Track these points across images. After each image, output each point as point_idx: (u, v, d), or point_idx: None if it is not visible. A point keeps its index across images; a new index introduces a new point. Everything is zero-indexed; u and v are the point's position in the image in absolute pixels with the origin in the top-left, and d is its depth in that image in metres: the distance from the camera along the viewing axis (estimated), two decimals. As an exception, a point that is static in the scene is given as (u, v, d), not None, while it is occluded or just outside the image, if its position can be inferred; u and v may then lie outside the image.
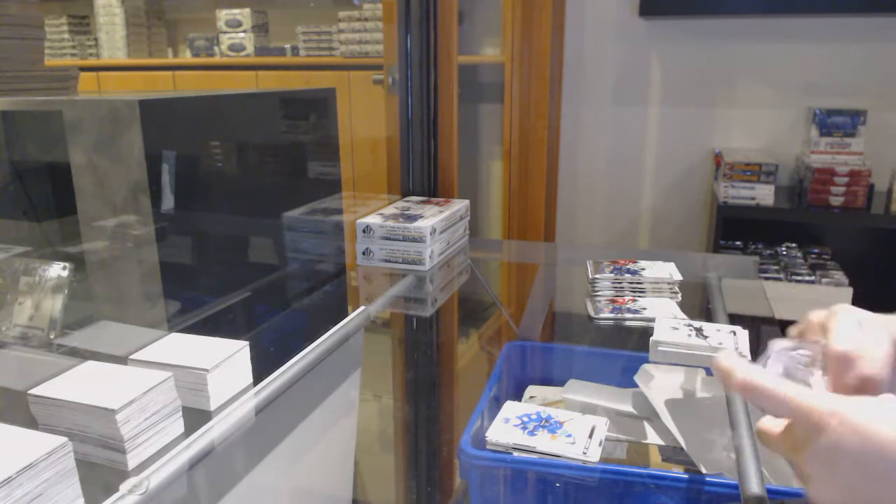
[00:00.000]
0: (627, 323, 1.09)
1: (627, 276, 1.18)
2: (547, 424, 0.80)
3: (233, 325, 0.98)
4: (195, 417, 0.68)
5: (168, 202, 0.84)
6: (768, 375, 0.48)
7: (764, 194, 2.21)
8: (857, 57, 2.32)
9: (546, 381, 1.10)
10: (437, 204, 1.47)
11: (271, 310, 1.09)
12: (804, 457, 0.44)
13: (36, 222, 0.96)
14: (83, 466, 0.55)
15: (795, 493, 0.72)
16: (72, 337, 0.80)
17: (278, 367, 0.81)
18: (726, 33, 2.43)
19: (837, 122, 2.21)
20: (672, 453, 0.84)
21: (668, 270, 1.20)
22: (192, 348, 0.74)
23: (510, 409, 0.84)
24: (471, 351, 1.42)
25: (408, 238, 1.28)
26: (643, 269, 1.21)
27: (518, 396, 1.06)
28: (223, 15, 3.33)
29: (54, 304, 0.80)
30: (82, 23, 3.69)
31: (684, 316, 1.05)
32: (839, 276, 2.16)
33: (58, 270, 0.81)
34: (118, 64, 3.49)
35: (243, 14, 3.31)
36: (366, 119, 2.72)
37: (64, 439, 0.52)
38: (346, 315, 1.01)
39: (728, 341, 0.86)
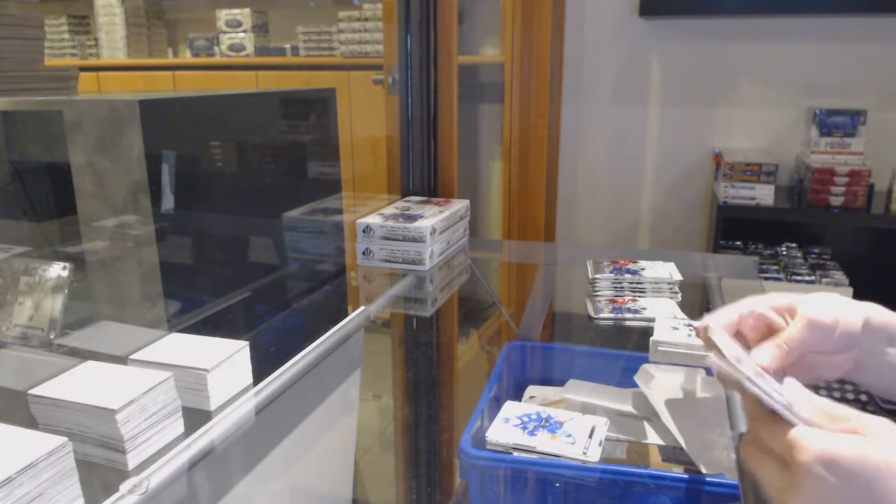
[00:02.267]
0: (627, 323, 1.09)
1: (627, 276, 1.18)
2: (547, 424, 0.80)
3: (233, 325, 0.98)
4: (195, 417, 0.68)
5: (168, 202, 0.84)
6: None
7: (764, 194, 2.21)
8: (857, 57, 2.32)
9: (546, 381, 1.10)
10: (437, 204, 1.47)
11: (271, 310, 1.09)
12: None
13: (36, 222, 0.96)
14: (83, 466, 0.55)
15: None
16: (72, 337, 0.80)
17: (278, 367, 0.81)
18: (726, 33, 2.43)
19: (837, 122, 2.20)
20: (672, 453, 0.84)
21: (668, 270, 1.20)
22: (192, 348, 0.74)
23: (510, 409, 0.84)
24: (471, 351, 1.42)
25: (408, 238, 1.28)
26: (643, 269, 1.21)
27: (518, 396, 1.06)
28: (223, 15, 3.33)
29: (54, 304, 0.80)
30: (82, 23, 3.69)
31: (684, 316, 1.05)
32: (839, 276, 2.16)
33: (58, 270, 0.81)
34: (118, 64, 3.49)
35: (243, 14, 3.31)
36: (366, 119, 2.72)
37: (64, 439, 0.52)
38: (346, 315, 1.01)
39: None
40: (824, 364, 0.57)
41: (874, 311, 0.57)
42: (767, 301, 0.58)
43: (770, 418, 0.47)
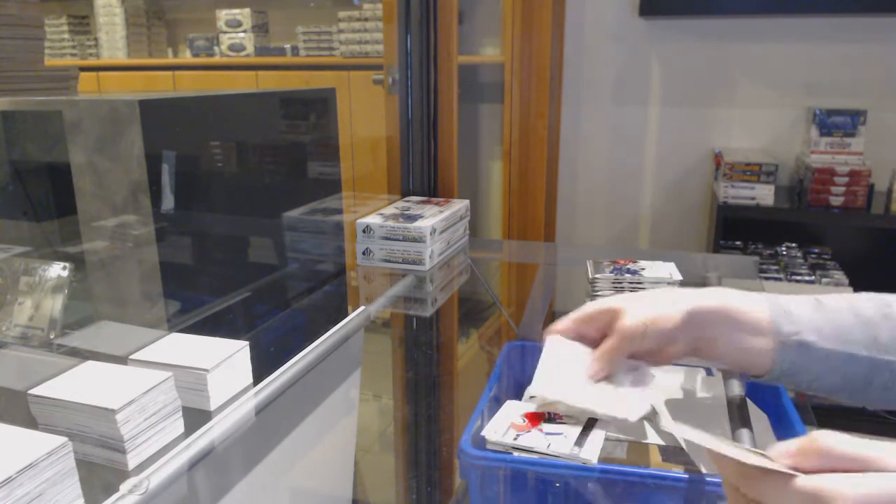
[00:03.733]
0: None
1: (627, 276, 1.18)
2: (547, 424, 0.80)
3: (233, 325, 0.98)
4: (195, 417, 0.68)
5: (168, 202, 0.84)
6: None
7: (764, 194, 2.21)
8: (857, 57, 2.32)
9: (546, 381, 1.09)
10: (437, 204, 1.47)
11: (271, 310, 1.09)
12: None
13: (36, 222, 0.96)
14: (83, 466, 0.55)
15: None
16: (72, 337, 0.80)
17: (278, 367, 0.81)
18: (726, 33, 2.43)
19: (837, 122, 2.20)
20: (672, 453, 0.84)
21: (668, 270, 1.20)
22: (192, 348, 0.74)
23: (510, 408, 0.84)
24: (471, 351, 1.42)
25: (408, 238, 1.28)
26: (643, 269, 1.21)
27: (518, 396, 1.06)
28: (223, 15, 3.33)
29: (54, 304, 0.80)
30: (82, 23, 3.69)
31: None
32: (839, 276, 2.16)
33: (58, 270, 0.81)
34: (118, 64, 3.49)
35: (243, 14, 3.31)
36: (366, 119, 2.72)
37: (64, 439, 0.52)
38: (346, 315, 1.01)
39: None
40: (661, 353, 0.66)
41: (703, 301, 0.63)
42: (593, 306, 0.69)
43: (753, 474, 0.41)
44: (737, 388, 0.81)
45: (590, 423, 0.81)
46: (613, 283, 1.18)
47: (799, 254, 2.35)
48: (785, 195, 2.34)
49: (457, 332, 1.38)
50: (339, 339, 0.93)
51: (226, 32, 3.34)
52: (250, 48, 3.33)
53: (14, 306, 0.81)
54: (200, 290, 0.94)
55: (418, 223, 1.29)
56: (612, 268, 1.22)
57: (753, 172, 2.21)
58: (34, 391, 0.62)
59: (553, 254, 1.80)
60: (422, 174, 1.60)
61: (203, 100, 0.95)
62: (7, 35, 1.10)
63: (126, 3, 3.49)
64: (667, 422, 0.85)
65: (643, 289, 1.17)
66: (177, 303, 0.87)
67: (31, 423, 0.62)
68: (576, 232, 2.79)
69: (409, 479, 1.15)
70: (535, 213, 2.52)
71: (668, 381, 0.95)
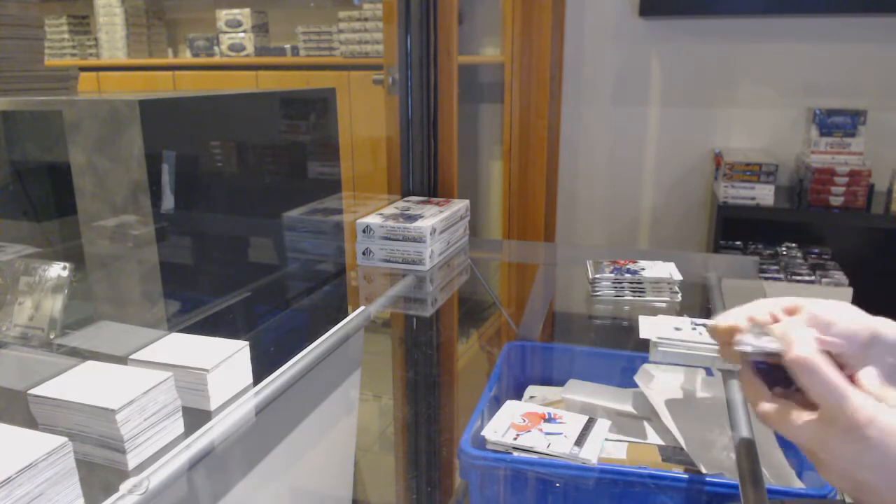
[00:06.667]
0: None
1: (627, 276, 1.18)
2: (547, 424, 0.80)
3: (233, 325, 0.98)
4: (195, 417, 0.68)
5: (168, 202, 0.84)
6: (824, 359, 0.51)
7: (764, 194, 2.21)
8: (857, 57, 2.32)
9: (546, 381, 1.10)
10: (437, 204, 1.47)
11: (271, 310, 1.09)
12: (828, 440, 0.49)
13: (36, 222, 0.96)
14: (83, 466, 0.55)
15: (795, 493, 0.72)
16: (72, 337, 0.80)
17: (278, 367, 0.81)
18: (726, 33, 2.43)
19: (837, 122, 2.20)
20: (672, 453, 0.84)
21: (668, 270, 1.20)
22: (192, 348, 0.74)
23: (510, 408, 0.84)
24: (471, 351, 1.42)
25: (408, 238, 1.28)
26: (643, 269, 1.21)
27: (518, 396, 1.06)
28: (223, 15, 3.33)
29: (54, 304, 0.80)
30: (82, 23, 3.69)
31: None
32: (839, 276, 2.16)
33: (58, 270, 0.81)
34: (118, 64, 3.49)
35: (243, 14, 3.31)
36: (366, 119, 2.72)
37: (64, 439, 0.52)
38: (346, 315, 1.01)
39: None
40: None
41: (887, 327, 0.56)
42: (776, 303, 0.60)
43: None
44: (737, 389, 0.81)
45: (589, 424, 0.81)
46: (613, 283, 1.18)
47: (799, 254, 2.35)
48: (785, 195, 2.34)
49: (457, 332, 1.38)
50: (339, 339, 0.93)
51: (226, 32, 3.34)
52: (250, 48, 3.33)
53: (14, 306, 0.81)
54: (200, 290, 0.94)
55: (418, 223, 1.29)
56: (612, 268, 1.22)
57: (753, 172, 2.21)
58: (34, 391, 0.62)
59: (553, 254, 1.80)
60: (422, 174, 1.60)
61: (203, 100, 0.95)
62: (7, 35, 1.10)
63: (126, 3, 3.49)
64: (667, 421, 0.85)
65: (643, 289, 1.17)
66: (177, 303, 0.87)
67: (31, 423, 0.62)
68: (576, 232, 2.79)
69: (409, 479, 1.15)
70: (535, 213, 2.52)
71: (668, 381, 0.95)
